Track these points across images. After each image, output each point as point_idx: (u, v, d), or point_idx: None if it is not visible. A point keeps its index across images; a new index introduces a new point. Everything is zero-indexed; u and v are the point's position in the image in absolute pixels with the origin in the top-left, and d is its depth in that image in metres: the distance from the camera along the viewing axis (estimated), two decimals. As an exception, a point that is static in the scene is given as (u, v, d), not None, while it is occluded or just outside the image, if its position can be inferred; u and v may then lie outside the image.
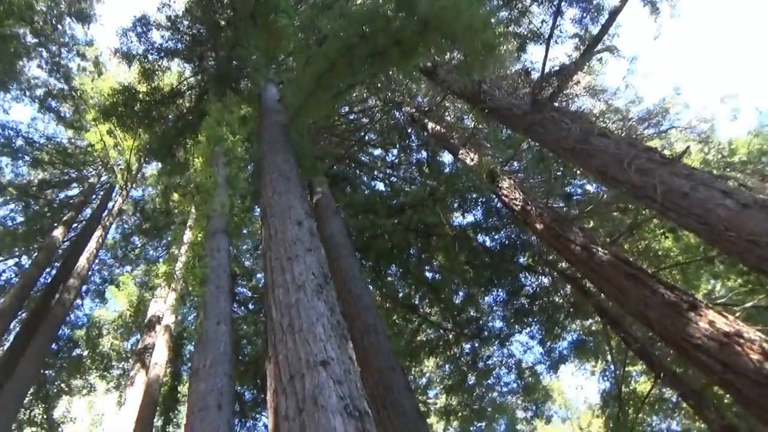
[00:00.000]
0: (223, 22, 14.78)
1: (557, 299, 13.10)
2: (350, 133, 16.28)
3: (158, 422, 13.39)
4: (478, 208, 13.35)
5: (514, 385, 14.32)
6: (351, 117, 16.41)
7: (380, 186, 16.88)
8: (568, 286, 12.39)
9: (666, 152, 6.35)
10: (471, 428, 15.07)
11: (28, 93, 19.98)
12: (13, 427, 13.33)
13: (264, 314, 13.86)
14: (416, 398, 8.82)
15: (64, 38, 20.16)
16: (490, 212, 13.04)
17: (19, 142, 20.14)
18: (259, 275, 16.30)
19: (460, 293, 14.10)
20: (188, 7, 15.34)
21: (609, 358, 12.80)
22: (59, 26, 19.76)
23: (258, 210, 10.94)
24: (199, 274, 5.54)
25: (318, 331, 3.36)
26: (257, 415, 14.26)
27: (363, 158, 17.47)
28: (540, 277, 13.14)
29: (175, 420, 15.24)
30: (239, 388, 14.20)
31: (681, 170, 5.33)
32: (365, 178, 17.13)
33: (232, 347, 5.00)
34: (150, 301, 15.20)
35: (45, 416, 17.14)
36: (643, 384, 13.01)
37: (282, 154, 6.93)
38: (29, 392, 13.38)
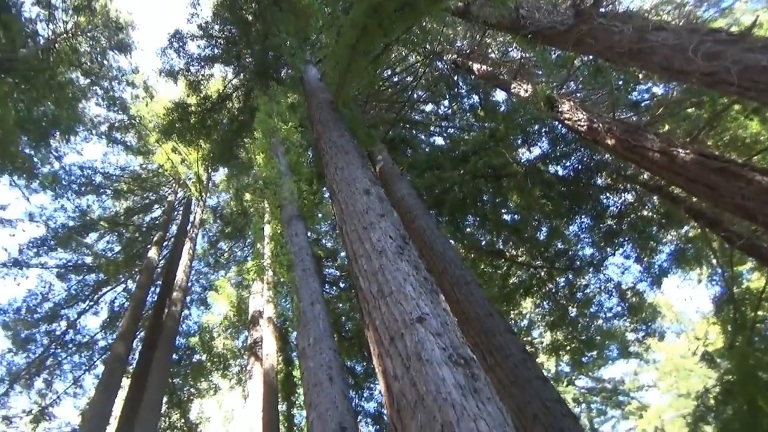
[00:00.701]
0: (250, 17, 14.91)
1: (646, 213, 12.52)
2: (398, 95, 16.10)
3: (282, 407, 14.19)
4: (543, 138, 12.88)
5: (619, 309, 13.92)
6: (395, 79, 16.20)
7: (439, 140, 16.68)
8: (655, 197, 11.81)
9: (733, 30, 5.80)
10: (582, 359, 14.89)
11: (94, 131, 21.18)
12: (158, 435, 14.59)
13: (354, 288, 14.23)
14: (520, 340, 8.80)
15: (111, 72, 21.11)
16: (556, 140, 12.55)
17: (98, 178, 21.53)
18: (343, 254, 16.69)
19: (543, 228, 13.79)
20: (215, 11, 15.59)
21: (714, 261, 12.19)
22: (105, 61, 20.71)
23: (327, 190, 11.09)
24: (285, 261, 5.75)
25: (407, 291, 3.40)
26: (371, 385, 14.77)
27: (416, 117, 17.28)
28: (622, 194, 12.57)
29: (296, 402, 16.13)
30: (349, 362, 14.76)
31: (754, 44, 4.86)
32: (423, 136, 16.97)
33: (330, 323, 5.19)
34: (249, 298, 15.99)
35: (183, 420, 18.63)
36: (756, 281, 12.32)
37: (336, 130, 6.98)
38: (164, 401, 14.49)
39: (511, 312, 14.58)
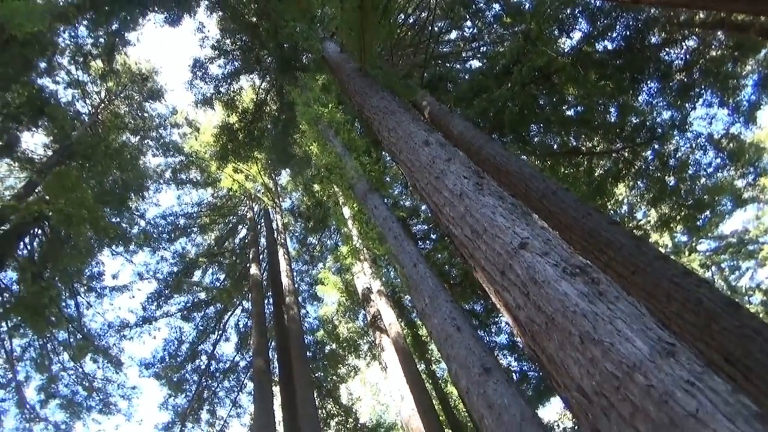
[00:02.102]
0: (254, 19, 15.00)
1: (714, 53, 11.57)
2: (419, 36, 15.69)
3: (421, 366, 14.67)
4: (579, 20, 12.14)
5: (718, 161, 13.07)
6: (410, 21, 15.77)
7: (475, 63, 16.18)
8: (719, 33, 10.88)
9: None
10: (697, 223, 14.21)
11: (161, 181, 22.38)
12: (322, 426, 15.61)
13: (445, 235, 14.31)
14: (626, 227, 8.55)
15: (154, 121, 22.13)
16: (593, 16, 11.78)
17: (182, 221, 22.82)
18: (424, 207, 16.80)
19: (612, 110, 13.10)
20: (221, 26, 15.83)
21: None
22: (145, 114, 21.70)
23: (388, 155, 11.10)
24: (374, 235, 5.88)
25: (500, 222, 3.39)
26: (495, 319, 14.92)
27: (444, 50, 16.82)
28: (683, 43, 11.65)
29: (432, 357, 16.65)
30: (466, 306, 14.95)
31: None
32: (458, 66, 16.51)
33: (438, 277, 5.28)
34: (354, 280, 16.48)
35: (337, 407, 19.80)
36: None
37: (374, 95, 6.94)
38: (315, 396, 15.40)
39: (608, 203, 14.12)
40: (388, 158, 14.63)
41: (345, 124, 8.96)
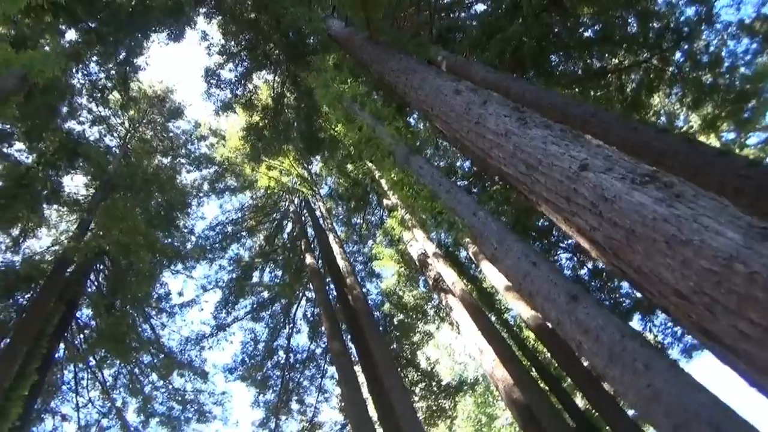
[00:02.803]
0: (254, 15, 14.99)
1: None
2: (419, -8, 15.37)
3: (492, 317, 14.70)
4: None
5: (755, 46, 12.43)
6: (408, -20, 15.45)
7: (480, 7, 15.76)
8: None
9: None
10: (743, 116, 13.63)
11: (200, 194, 22.90)
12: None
13: (490, 184, 14.17)
14: (675, 135, 8.28)
15: (180, 139, 22.63)
16: (594, -74, 11.28)
17: (229, 228, 23.39)
18: (458, 163, 16.73)
19: (631, 20, 12.59)
20: (223, 30, 15.89)
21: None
22: (170, 134, 22.19)
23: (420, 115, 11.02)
24: (426, 194, 5.88)
25: (553, 150, 3.33)
26: (555, 257, 14.78)
27: (445, 1, 16.44)
28: None
29: (501, 307, 16.65)
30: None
31: None
32: (463, 14, 16.13)
33: (500, 221, 5.25)
34: (407, 248, 16.60)
35: (419, 373, 20.17)
36: None
37: (392, 59, 6.88)
38: (397, 368, 15.68)
39: (646, 117, 13.69)
40: (413, 123, 14.56)
41: (367, 96, 8.94)
